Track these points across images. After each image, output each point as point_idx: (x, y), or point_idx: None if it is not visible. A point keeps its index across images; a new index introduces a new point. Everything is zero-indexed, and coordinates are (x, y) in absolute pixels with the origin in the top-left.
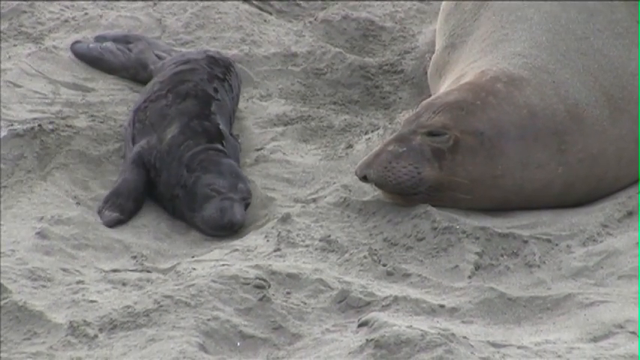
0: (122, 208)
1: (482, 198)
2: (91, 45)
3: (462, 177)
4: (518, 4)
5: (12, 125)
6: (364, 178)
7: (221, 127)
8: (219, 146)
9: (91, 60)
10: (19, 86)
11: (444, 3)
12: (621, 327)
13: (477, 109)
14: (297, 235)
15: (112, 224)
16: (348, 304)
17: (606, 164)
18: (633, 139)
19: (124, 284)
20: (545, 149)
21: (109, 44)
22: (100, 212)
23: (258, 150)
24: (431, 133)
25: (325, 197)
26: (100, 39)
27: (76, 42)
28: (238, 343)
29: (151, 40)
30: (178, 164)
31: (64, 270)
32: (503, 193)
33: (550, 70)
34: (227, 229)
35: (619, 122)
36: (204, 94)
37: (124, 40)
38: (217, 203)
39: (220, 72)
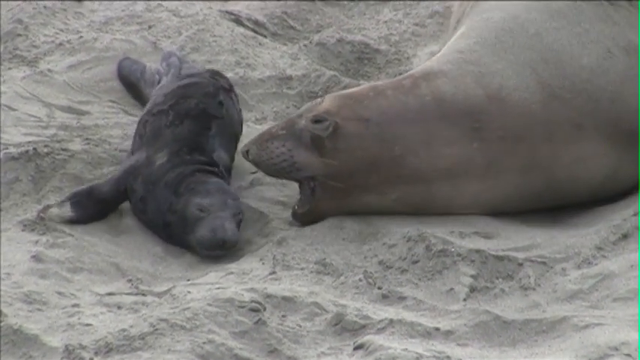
0: (84, 212)
1: (394, 181)
2: (133, 66)
3: (349, 164)
4: (488, 9)
5: (7, 148)
6: (246, 154)
7: (215, 155)
8: (208, 167)
9: (127, 86)
10: (14, 109)
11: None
12: (616, 349)
13: (365, 99)
14: (293, 259)
15: (63, 220)
16: (344, 327)
17: (535, 143)
18: (568, 124)
19: (119, 307)
20: (454, 128)
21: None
22: (60, 203)
23: (253, 173)
24: (315, 119)
25: (320, 220)
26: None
27: (126, 58)
28: None
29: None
30: (167, 190)
31: (60, 293)
32: (417, 172)
33: (482, 62)
34: (220, 248)
35: (550, 107)
36: (204, 113)
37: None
38: (208, 223)
39: (226, 83)
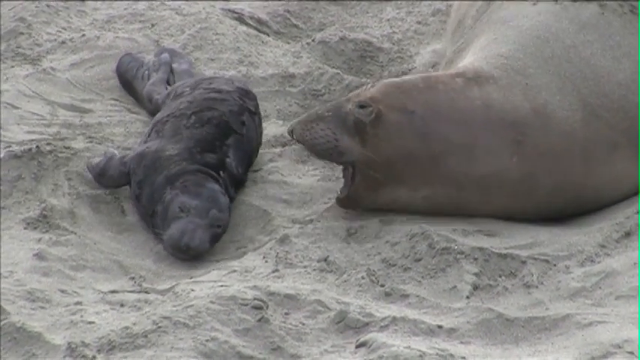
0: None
1: (427, 178)
2: (131, 63)
3: (387, 154)
4: (513, 15)
5: (10, 147)
6: (291, 133)
7: (228, 160)
8: (213, 172)
9: (123, 82)
10: (17, 108)
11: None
12: (619, 347)
13: (414, 90)
14: (296, 256)
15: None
16: (347, 324)
17: (571, 161)
18: (605, 143)
19: (122, 305)
20: (497, 138)
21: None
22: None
23: (256, 171)
24: (360, 104)
25: (323, 218)
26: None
27: (126, 55)
28: None
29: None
30: (166, 181)
31: (62, 291)
32: (451, 175)
33: (527, 73)
34: (183, 252)
35: (590, 126)
36: (225, 125)
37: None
38: (181, 224)
39: (252, 105)
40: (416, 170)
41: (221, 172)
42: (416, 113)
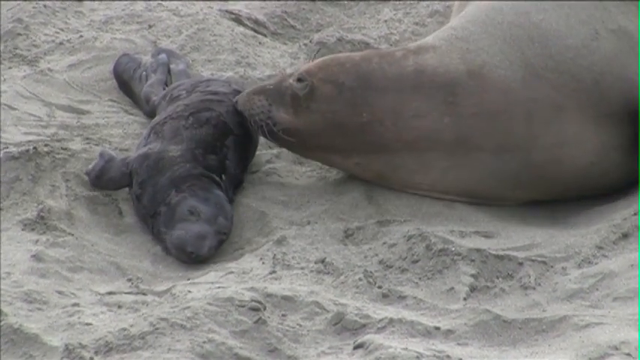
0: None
1: (357, 147)
2: (129, 64)
3: (318, 126)
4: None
5: (7, 148)
6: (236, 102)
7: (227, 162)
8: (216, 177)
9: (120, 83)
10: (15, 109)
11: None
12: (616, 349)
13: (348, 63)
14: (293, 258)
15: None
16: (344, 326)
17: (512, 122)
18: (549, 104)
19: (119, 307)
20: (426, 100)
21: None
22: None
23: (253, 173)
24: (297, 78)
25: (321, 220)
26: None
27: (124, 55)
28: None
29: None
30: (170, 183)
31: (60, 293)
32: (381, 140)
33: (471, 39)
34: (189, 258)
35: (531, 86)
36: (223, 125)
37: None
38: (190, 228)
39: None
40: (347, 139)
41: (222, 176)
42: (345, 84)
